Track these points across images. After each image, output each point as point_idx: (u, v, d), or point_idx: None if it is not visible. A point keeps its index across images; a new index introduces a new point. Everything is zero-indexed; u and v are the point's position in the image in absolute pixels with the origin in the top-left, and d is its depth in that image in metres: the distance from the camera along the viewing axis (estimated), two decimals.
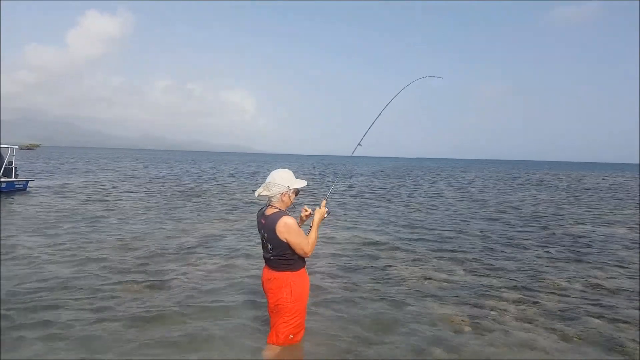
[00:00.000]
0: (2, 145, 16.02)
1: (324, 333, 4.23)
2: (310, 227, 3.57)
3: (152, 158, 76.84)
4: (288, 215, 3.42)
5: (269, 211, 3.48)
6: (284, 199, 3.47)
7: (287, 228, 3.32)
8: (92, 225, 9.52)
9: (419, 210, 14.32)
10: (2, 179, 15.22)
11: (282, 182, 3.45)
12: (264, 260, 3.65)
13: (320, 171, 44.24)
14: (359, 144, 4.46)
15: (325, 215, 3.71)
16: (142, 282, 5.62)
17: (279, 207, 3.48)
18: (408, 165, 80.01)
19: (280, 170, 3.55)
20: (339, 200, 16.36)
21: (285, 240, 3.36)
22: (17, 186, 16.03)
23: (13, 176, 15.96)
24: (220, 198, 16.13)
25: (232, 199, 15.91)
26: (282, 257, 3.44)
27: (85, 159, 59.03)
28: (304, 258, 3.56)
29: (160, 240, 8.17)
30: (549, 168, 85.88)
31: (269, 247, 3.47)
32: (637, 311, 5.07)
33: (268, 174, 3.52)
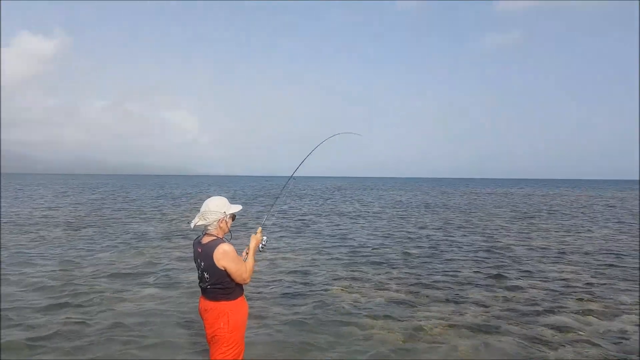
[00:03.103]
0: None
1: (267, 353, 4.29)
2: (247, 253, 3.58)
3: (80, 184, 72.20)
4: (225, 242, 3.41)
5: (205, 239, 3.44)
6: (222, 225, 3.45)
7: (225, 255, 3.30)
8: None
9: (354, 228, 14.72)
10: None
11: (217, 209, 3.43)
12: (200, 290, 3.63)
13: (264, 193, 43.97)
14: (292, 177, 4.50)
15: (262, 243, 3.68)
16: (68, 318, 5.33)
17: (216, 235, 3.45)
18: (347, 184, 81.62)
19: (214, 198, 3.54)
20: (277, 222, 16.41)
21: (223, 268, 3.33)
22: None
23: None
24: (154, 224, 15.53)
25: (170, 225, 15.39)
26: (219, 285, 3.40)
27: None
28: (242, 286, 3.57)
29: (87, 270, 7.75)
30: (475, 185, 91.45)
31: (206, 276, 3.42)
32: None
33: (207, 198, 3.50)
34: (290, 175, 4.54)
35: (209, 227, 3.44)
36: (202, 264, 3.41)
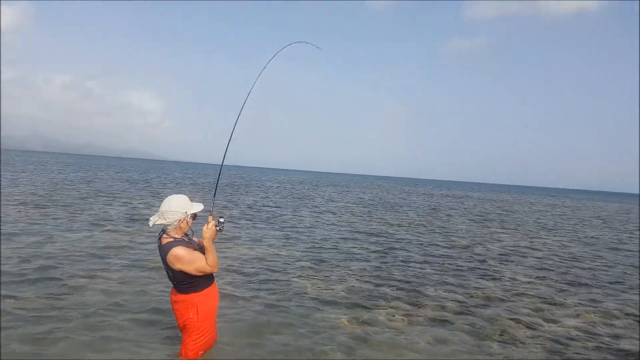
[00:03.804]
0: None
1: (233, 344, 4.45)
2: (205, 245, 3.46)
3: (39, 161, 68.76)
4: (179, 245, 3.35)
5: (164, 240, 3.43)
6: (182, 225, 3.44)
7: (176, 259, 3.31)
8: None
9: (319, 222, 15.02)
10: None
11: (178, 208, 3.39)
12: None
13: (227, 182, 43.52)
14: (231, 138, 4.07)
15: (217, 229, 3.52)
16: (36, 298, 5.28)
17: (174, 236, 3.42)
18: (315, 180, 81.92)
19: (174, 196, 3.49)
20: (241, 214, 16.46)
21: (179, 270, 3.36)
22: None
23: None
24: (116, 207, 15.20)
25: (132, 209, 15.11)
26: (184, 282, 3.46)
27: None
28: (210, 275, 3.61)
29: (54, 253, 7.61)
30: (434, 185, 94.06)
31: (169, 273, 3.49)
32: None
33: (168, 193, 3.53)
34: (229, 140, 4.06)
35: (168, 227, 3.42)
36: (164, 263, 3.44)
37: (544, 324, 5.86)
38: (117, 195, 20.45)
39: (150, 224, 3.45)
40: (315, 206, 22.38)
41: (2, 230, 9.49)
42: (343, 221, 16.30)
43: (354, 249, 10.48)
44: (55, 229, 10.31)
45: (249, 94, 4.26)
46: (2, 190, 17.85)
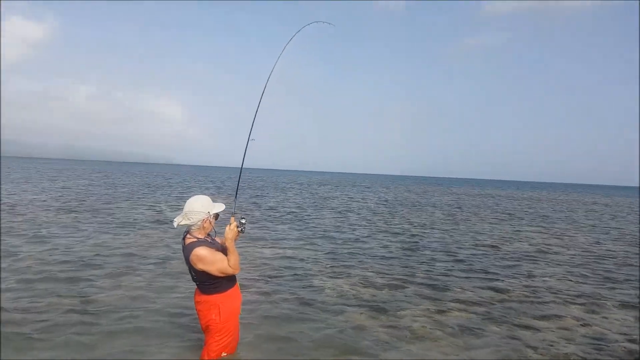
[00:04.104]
0: None
1: (255, 343, 4.45)
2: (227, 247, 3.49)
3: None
4: (201, 245, 3.39)
5: (187, 240, 3.48)
6: (205, 225, 3.49)
7: (199, 259, 3.34)
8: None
9: (340, 223, 14.94)
10: None
11: (201, 209, 3.44)
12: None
13: (246, 184, 43.88)
14: (250, 139, 4.06)
15: (239, 230, 3.55)
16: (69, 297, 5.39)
17: (197, 236, 3.47)
18: (335, 180, 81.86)
19: (197, 197, 3.54)
20: (264, 215, 16.52)
21: (202, 270, 3.39)
22: None
23: None
24: (143, 211, 15.50)
25: (158, 213, 15.37)
26: (207, 282, 3.49)
27: None
28: (232, 276, 3.64)
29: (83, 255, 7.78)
30: (460, 184, 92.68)
31: (193, 274, 3.52)
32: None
33: (191, 194, 3.57)
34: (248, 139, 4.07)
35: (192, 227, 3.48)
36: (187, 263, 3.48)
37: (578, 324, 5.64)
38: (142, 198, 20.88)
39: (175, 224, 3.50)
40: (336, 206, 22.32)
41: (34, 233, 9.78)
42: (365, 221, 16.18)
43: (377, 249, 10.37)
44: (83, 232, 10.56)
45: (265, 87, 4.25)
46: (32, 197, 18.43)
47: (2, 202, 16.03)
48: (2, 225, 10.80)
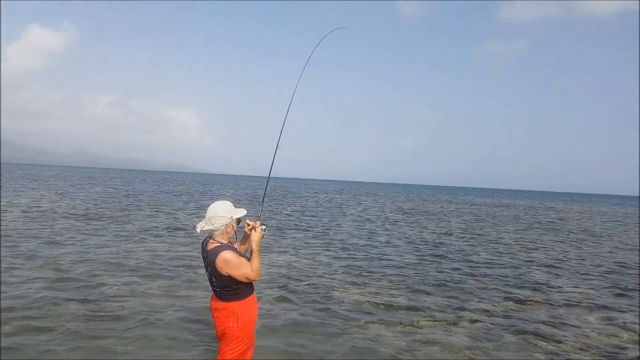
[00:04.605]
0: None
1: (270, 349, 4.45)
2: (251, 252, 3.52)
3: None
4: (227, 249, 3.39)
5: (210, 245, 3.47)
6: (228, 229, 3.48)
7: (226, 263, 3.33)
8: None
9: (358, 231, 14.86)
10: None
11: (225, 213, 3.44)
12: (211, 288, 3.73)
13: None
14: (277, 147, 4.06)
15: (263, 234, 3.57)
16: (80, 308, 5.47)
17: (220, 241, 3.47)
18: (352, 189, 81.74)
19: (219, 202, 3.55)
20: (282, 222, 16.55)
21: (227, 274, 3.39)
22: None
23: None
24: (160, 218, 15.69)
25: (175, 221, 15.55)
26: (227, 288, 3.46)
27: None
28: (251, 284, 3.68)
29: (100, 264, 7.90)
30: (482, 194, 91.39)
31: (214, 280, 3.48)
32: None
33: (211, 201, 3.59)
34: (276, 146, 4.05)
35: (215, 232, 3.46)
36: (209, 268, 3.44)
37: (593, 334, 5.50)
38: (161, 206, 21.15)
39: (198, 230, 3.49)
40: (353, 214, 22.24)
41: (52, 240, 9.98)
42: (382, 229, 16.06)
43: (395, 257, 10.27)
44: (101, 238, 10.74)
45: (293, 95, 4.24)
46: (50, 204, 18.84)
47: (3, 204, 16.42)
48: (21, 231, 11.07)
